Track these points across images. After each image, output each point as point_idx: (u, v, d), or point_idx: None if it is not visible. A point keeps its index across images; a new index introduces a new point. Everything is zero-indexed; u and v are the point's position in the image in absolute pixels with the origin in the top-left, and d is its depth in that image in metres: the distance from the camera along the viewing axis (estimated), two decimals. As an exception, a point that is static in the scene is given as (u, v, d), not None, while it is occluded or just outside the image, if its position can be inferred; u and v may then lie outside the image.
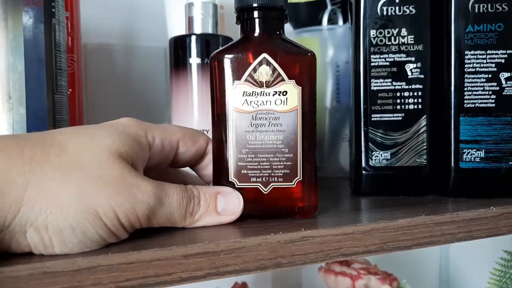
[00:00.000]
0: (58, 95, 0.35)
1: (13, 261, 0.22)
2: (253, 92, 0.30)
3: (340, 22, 0.53)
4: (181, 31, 0.46)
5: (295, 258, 0.28)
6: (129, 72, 0.69)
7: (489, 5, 0.36)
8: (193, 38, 0.44)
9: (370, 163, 0.39)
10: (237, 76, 0.30)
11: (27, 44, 0.33)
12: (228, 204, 0.29)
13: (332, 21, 0.54)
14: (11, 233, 0.22)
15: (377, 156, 0.39)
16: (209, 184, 0.32)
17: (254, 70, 0.30)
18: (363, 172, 0.39)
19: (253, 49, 0.30)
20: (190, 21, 0.45)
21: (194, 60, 0.44)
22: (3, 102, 0.32)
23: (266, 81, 0.30)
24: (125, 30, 0.69)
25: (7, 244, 0.23)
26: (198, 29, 0.45)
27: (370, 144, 0.39)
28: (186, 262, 0.25)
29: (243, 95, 0.30)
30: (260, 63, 0.30)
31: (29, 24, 0.33)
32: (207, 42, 0.44)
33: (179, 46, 0.44)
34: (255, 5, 0.31)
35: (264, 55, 0.30)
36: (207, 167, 0.32)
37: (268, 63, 0.30)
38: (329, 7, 0.53)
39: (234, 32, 0.47)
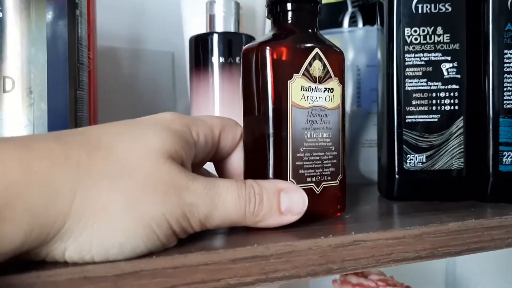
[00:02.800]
0: (80, 91, 0.33)
1: (50, 264, 0.20)
2: (309, 87, 0.28)
3: (360, 24, 0.52)
4: (197, 33, 0.45)
5: (345, 264, 0.26)
6: (136, 76, 0.67)
7: (528, 3, 0.35)
8: (215, 36, 0.42)
9: (404, 166, 0.37)
10: (295, 69, 0.28)
11: (50, 36, 0.31)
12: (292, 203, 0.26)
13: (352, 24, 0.52)
14: (49, 248, 0.20)
15: (412, 159, 0.37)
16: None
17: (310, 64, 0.28)
18: (396, 176, 0.38)
19: (303, 44, 0.29)
20: (211, 19, 0.43)
21: (216, 59, 0.42)
22: (23, 96, 0.30)
23: (318, 77, 0.28)
24: (133, 34, 0.67)
25: (40, 257, 0.20)
26: (219, 27, 0.43)
27: (404, 146, 0.37)
28: (235, 267, 0.23)
29: (301, 90, 0.28)
30: (314, 58, 0.28)
31: (53, 15, 0.31)
32: (230, 41, 0.42)
33: (200, 45, 0.43)
34: None
35: (317, 50, 0.28)
36: (238, 158, 0.29)
37: (320, 59, 0.28)
38: (350, 9, 0.51)
39: (251, 34, 0.46)
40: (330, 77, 0.29)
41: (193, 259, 0.22)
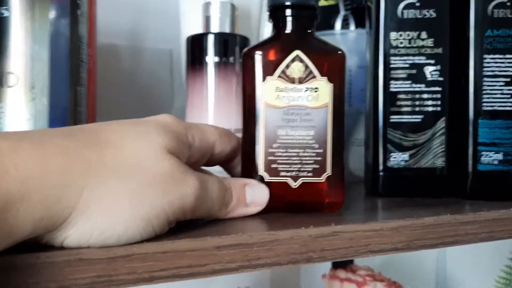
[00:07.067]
0: (80, 87, 0.35)
1: (48, 246, 0.22)
2: (285, 87, 0.30)
3: (352, 27, 0.54)
4: (194, 32, 0.46)
5: (325, 253, 0.27)
6: (135, 73, 0.69)
7: (508, 10, 0.37)
8: (211, 37, 0.44)
9: (388, 164, 0.39)
10: (269, 72, 0.30)
11: (52, 34, 0.33)
12: (255, 195, 0.29)
13: (344, 26, 0.54)
14: (51, 236, 0.21)
15: (396, 157, 0.39)
16: None
17: (287, 66, 0.30)
18: (381, 173, 0.39)
19: (286, 46, 0.31)
20: (207, 20, 0.45)
21: (211, 58, 0.43)
22: (26, 91, 0.32)
23: (298, 78, 0.30)
24: (132, 31, 0.69)
25: (41, 242, 0.22)
26: (215, 28, 0.45)
27: (388, 145, 0.39)
28: (220, 253, 0.25)
29: (275, 91, 0.30)
30: (293, 60, 0.30)
31: (56, 15, 0.33)
32: (225, 41, 0.44)
33: (196, 44, 0.44)
34: (288, 3, 0.32)
35: (297, 52, 0.30)
36: (239, 165, 0.32)
37: (301, 60, 0.30)
38: (342, 12, 0.53)
39: (246, 34, 0.47)
40: (314, 77, 0.30)
41: (181, 245, 0.24)
